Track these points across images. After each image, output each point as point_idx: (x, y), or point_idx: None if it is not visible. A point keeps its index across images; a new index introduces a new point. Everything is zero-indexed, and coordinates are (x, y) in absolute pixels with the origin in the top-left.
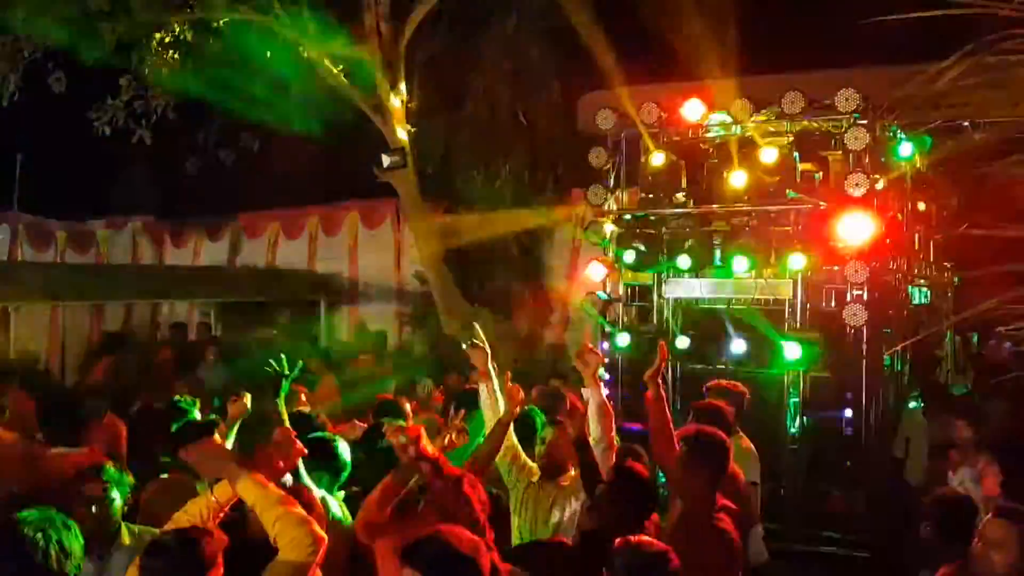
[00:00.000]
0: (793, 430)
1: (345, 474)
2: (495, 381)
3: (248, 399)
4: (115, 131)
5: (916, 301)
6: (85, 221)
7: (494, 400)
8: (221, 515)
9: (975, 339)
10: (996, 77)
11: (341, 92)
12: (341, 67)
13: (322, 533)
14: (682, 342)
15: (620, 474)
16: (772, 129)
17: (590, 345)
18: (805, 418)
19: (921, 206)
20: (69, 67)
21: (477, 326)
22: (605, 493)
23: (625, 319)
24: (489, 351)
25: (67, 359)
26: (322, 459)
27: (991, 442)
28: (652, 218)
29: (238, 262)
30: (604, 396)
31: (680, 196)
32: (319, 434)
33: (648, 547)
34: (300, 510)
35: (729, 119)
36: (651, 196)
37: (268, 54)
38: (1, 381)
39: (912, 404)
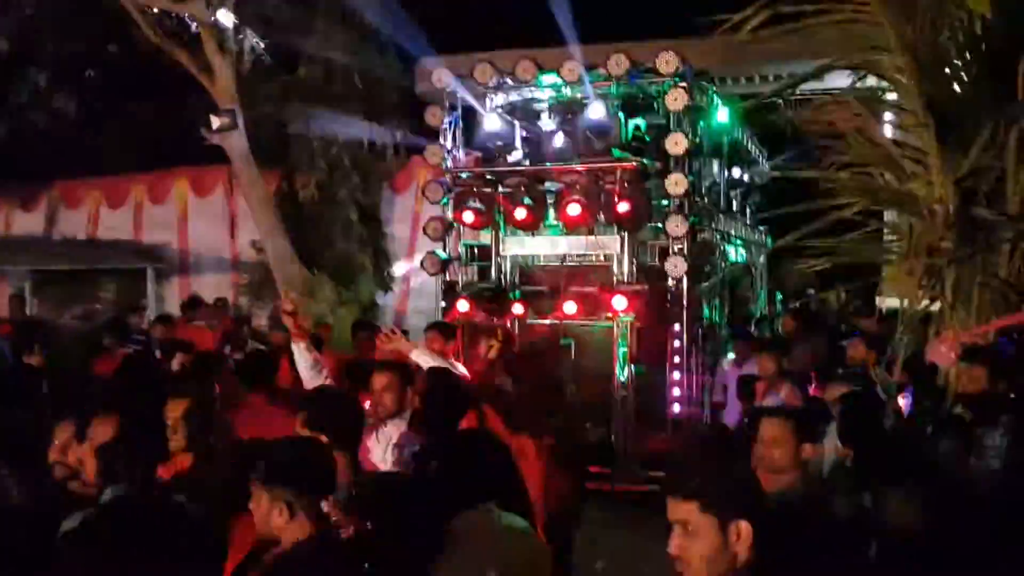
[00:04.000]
0: (622, 379)
1: None
2: (306, 340)
3: None
4: None
5: (732, 259)
6: None
7: (308, 357)
8: None
9: (779, 297)
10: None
11: (166, 52)
12: (166, 25)
13: None
14: (517, 308)
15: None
16: (600, 92)
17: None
18: (633, 367)
19: (736, 171)
20: None
21: (293, 293)
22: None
23: (464, 278)
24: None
25: None
26: None
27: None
28: (488, 177)
29: (55, 233)
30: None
31: (514, 155)
32: None
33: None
34: None
35: (560, 81)
36: (486, 155)
37: (86, 12)
38: None
39: (730, 355)
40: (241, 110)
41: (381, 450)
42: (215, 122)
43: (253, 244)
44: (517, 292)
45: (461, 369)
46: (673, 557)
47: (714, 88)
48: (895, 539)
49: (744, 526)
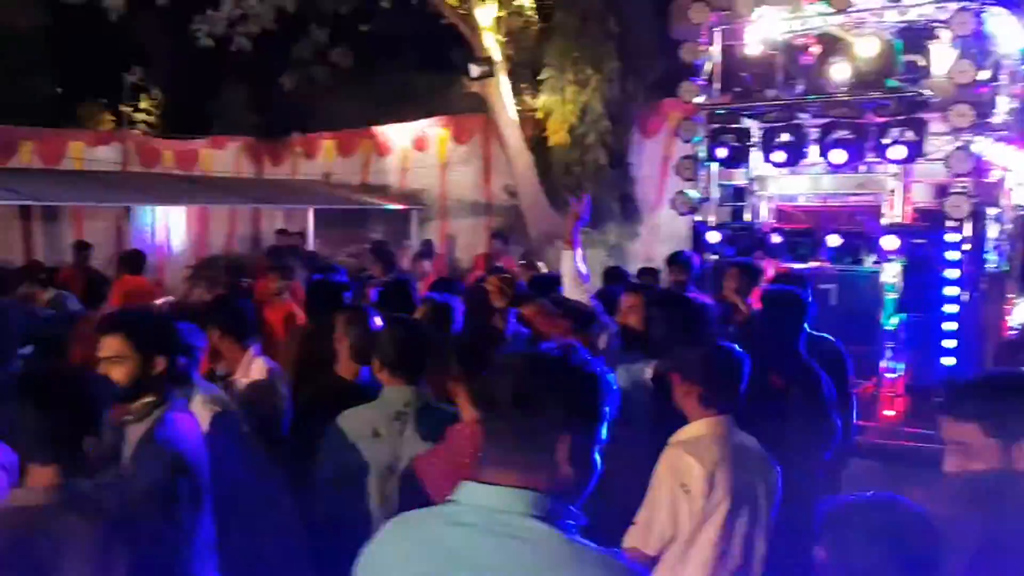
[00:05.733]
0: (889, 327)
1: None
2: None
3: None
4: (216, 43)
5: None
6: (189, 140)
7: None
8: None
9: None
10: None
11: (432, 3)
12: None
13: None
14: (774, 238)
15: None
16: (873, 19)
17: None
18: (902, 315)
19: None
20: None
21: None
22: None
23: (717, 219)
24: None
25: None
26: None
27: None
28: (746, 112)
29: (332, 179)
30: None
31: (774, 90)
32: None
33: None
34: None
35: (828, 8)
36: (745, 90)
37: None
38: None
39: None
40: (500, 57)
41: None
42: (474, 70)
43: (505, 188)
44: (771, 233)
45: None
46: (950, 475)
47: (1008, 11)
48: None
49: None
